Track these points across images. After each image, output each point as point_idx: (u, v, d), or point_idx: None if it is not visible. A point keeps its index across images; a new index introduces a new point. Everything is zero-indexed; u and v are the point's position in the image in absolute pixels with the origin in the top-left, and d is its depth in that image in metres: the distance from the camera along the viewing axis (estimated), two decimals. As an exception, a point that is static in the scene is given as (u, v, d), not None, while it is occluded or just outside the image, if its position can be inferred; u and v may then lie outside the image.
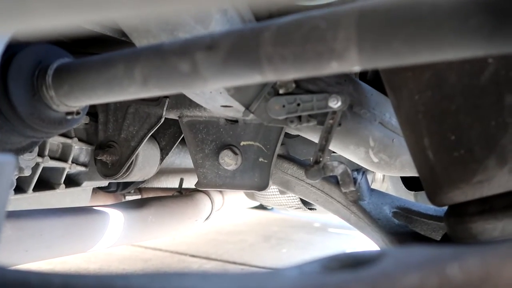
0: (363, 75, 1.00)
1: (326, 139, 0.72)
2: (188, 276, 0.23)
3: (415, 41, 0.35)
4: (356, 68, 0.40)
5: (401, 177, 1.37)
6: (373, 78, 0.99)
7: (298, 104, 0.72)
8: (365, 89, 0.81)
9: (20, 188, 0.96)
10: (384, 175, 1.73)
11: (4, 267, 0.24)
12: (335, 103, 0.70)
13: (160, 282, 0.22)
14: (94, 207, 1.00)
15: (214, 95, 0.74)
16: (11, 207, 0.91)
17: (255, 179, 0.92)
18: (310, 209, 1.49)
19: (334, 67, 0.40)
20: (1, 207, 0.31)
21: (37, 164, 0.96)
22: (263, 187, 0.92)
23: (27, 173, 0.92)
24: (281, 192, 1.43)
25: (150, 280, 0.22)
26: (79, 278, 0.22)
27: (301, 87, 0.74)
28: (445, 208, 0.61)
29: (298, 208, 1.49)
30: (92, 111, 1.08)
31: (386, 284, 0.20)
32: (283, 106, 0.72)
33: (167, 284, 0.22)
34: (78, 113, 0.62)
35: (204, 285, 0.23)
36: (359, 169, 0.89)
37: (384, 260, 0.23)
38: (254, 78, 0.44)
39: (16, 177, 0.91)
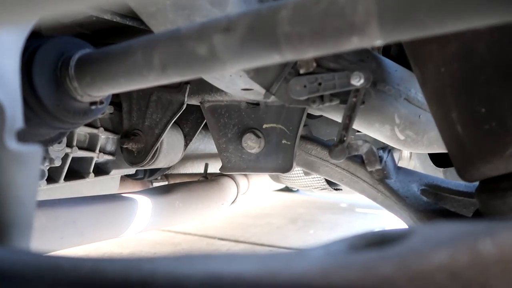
0: (386, 51, 0.97)
1: (349, 118, 0.71)
2: (214, 258, 0.23)
3: (439, 10, 0.34)
4: (378, 42, 0.39)
5: (429, 154, 1.34)
6: (397, 53, 0.96)
7: (320, 84, 0.70)
8: (389, 65, 0.79)
9: (51, 178, 1.00)
10: (411, 153, 1.70)
11: (38, 253, 0.25)
12: (357, 81, 0.68)
13: (186, 265, 0.23)
14: (123, 194, 1.02)
15: (234, 79, 0.74)
16: (44, 197, 0.95)
17: (279, 161, 0.92)
18: (336, 189, 1.48)
19: (354, 43, 0.39)
20: (32, 195, 0.32)
21: (67, 155, 0.99)
22: (287, 169, 0.92)
23: (57, 163, 0.95)
24: (306, 174, 1.42)
25: (176, 262, 0.23)
26: (108, 262, 0.22)
27: (322, 66, 0.72)
28: (476, 183, 0.60)
29: (323, 189, 1.48)
30: (116, 101, 1.10)
31: (415, 262, 0.20)
32: (304, 86, 0.71)
33: (193, 266, 0.23)
34: (101, 102, 0.63)
35: (230, 266, 0.23)
36: (384, 147, 0.87)
37: (412, 237, 0.22)
38: (272, 59, 0.44)
39: (48, 167, 0.95)
